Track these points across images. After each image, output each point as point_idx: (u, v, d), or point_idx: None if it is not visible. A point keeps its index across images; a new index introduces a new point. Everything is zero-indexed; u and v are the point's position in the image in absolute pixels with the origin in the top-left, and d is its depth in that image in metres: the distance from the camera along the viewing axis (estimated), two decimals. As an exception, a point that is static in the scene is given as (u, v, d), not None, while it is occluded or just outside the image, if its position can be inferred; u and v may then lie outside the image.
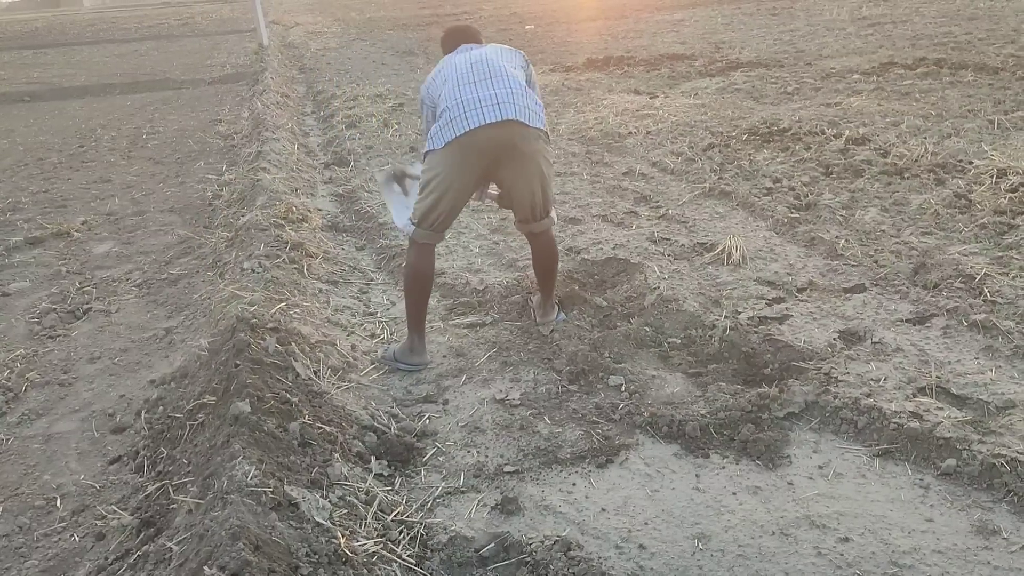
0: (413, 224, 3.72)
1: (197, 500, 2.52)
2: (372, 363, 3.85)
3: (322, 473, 2.77)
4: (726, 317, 3.90)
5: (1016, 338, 3.53)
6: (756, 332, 3.78)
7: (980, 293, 3.94)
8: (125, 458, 3.26)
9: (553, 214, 3.88)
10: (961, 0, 16.67)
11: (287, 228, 5.37)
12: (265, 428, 2.83)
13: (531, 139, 3.57)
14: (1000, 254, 4.38)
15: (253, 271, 4.54)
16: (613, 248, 4.94)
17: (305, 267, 4.83)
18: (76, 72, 17.05)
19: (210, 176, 7.71)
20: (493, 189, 4.07)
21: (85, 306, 4.86)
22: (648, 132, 7.85)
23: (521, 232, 4.00)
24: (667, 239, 5.11)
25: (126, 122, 11.12)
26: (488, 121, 3.46)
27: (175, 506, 2.65)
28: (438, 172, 3.58)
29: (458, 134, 3.48)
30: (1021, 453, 2.75)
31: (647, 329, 3.92)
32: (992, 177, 5.43)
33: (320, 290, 4.60)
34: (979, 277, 4.06)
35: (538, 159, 3.62)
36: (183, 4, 42.92)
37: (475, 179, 3.67)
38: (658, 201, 5.92)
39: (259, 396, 3.01)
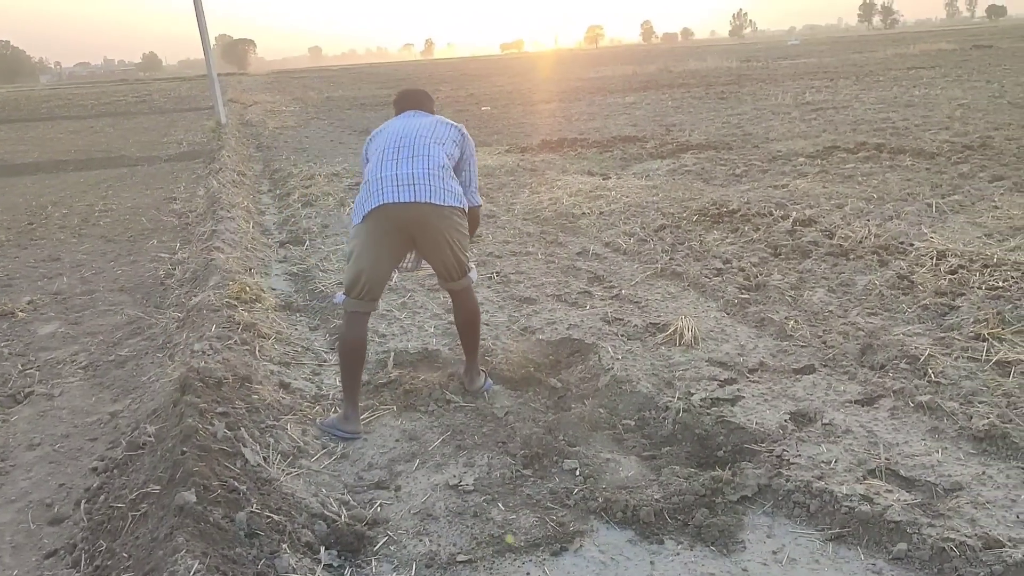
0: (344, 295, 3.88)
1: (136, 598, 2.42)
2: (323, 448, 3.78)
3: (269, 566, 2.69)
4: (679, 399, 3.92)
5: (960, 419, 3.59)
6: (709, 414, 3.79)
7: (925, 374, 4.03)
8: (62, 552, 3.12)
9: (472, 274, 4.07)
10: (898, 88, 17.47)
11: (240, 308, 5.32)
12: (211, 519, 2.75)
13: (441, 216, 3.78)
14: (942, 335, 4.50)
15: (204, 353, 4.47)
16: (567, 328, 4.98)
17: (257, 348, 4.77)
18: (28, 148, 16.95)
19: (163, 255, 7.64)
20: (408, 263, 4.24)
21: (27, 389, 4.72)
22: (601, 212, 8.00)
23: (443, 288, 4.19)
24: (620, 319, 5.16)
25: (78, 199, 11.02)
26: (400, 200, 3.69)
27: (113, 604, 2.54)
28: (357, 244, 3.81)
29: (371, 208, 3.72)
30: (969, 536, 2.77)
31: (601, 411, 3.92)
32: (932, 259, 5.62)
33: (272, 372, 4.53)
34: (923, 358, 4.15)
35: (448, 230, 3.83)
36: (141, 82, 43.12)
37: (392, 251, 3.88)
38: (611, 281, 6.00)
39: (205, 485, 2.93)
